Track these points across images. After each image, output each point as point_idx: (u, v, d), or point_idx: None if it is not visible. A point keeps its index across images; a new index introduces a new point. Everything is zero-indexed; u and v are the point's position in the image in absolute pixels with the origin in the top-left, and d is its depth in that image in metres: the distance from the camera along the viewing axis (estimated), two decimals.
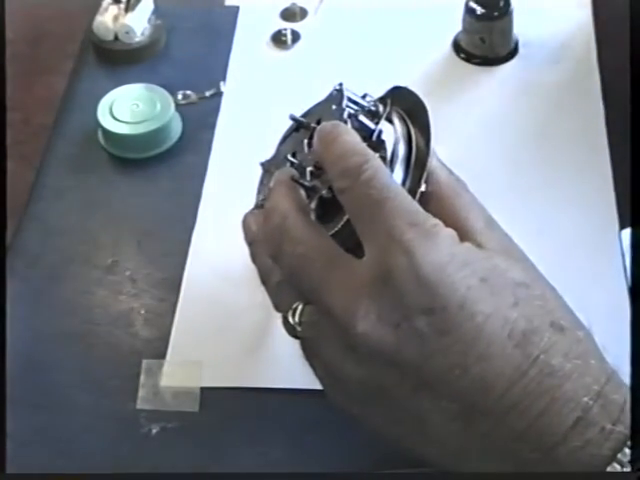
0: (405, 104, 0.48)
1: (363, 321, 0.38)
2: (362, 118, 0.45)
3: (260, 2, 0.80)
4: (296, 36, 0.77)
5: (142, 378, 0.56)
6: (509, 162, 0.67)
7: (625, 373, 0.39)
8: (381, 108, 0.46)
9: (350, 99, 0.46)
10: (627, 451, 0.36)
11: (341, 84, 0.48)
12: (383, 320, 0.38)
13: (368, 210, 0.40)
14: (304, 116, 0.50)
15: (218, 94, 0.73)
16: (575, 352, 0.38)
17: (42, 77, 0.74)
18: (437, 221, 0.40)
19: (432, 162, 0.44)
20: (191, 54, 0.77)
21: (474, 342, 0.38)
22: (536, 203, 0.64)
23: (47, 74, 0.74)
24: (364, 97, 0.47)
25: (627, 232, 0.62)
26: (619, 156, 0.66)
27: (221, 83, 0.74)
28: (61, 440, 0.54)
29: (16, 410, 0.52)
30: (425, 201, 0.42)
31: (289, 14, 0.80)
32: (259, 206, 0.50)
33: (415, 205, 0.41)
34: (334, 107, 0.47)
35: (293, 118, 0.49)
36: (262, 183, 0.52)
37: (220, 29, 0.79)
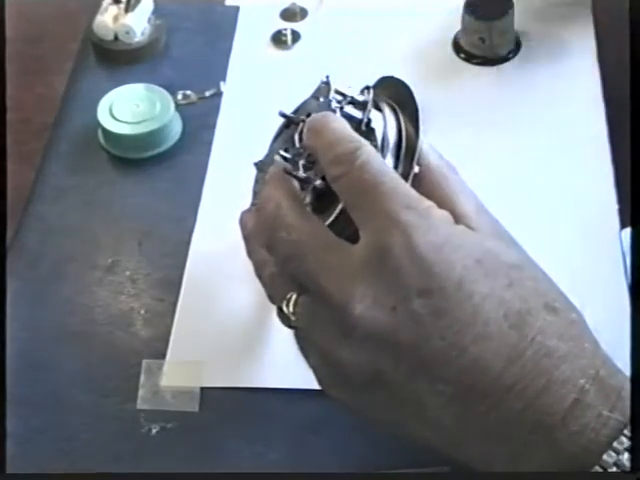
0: (393, 93, 0.48)
1: (359, 304, 0.38)
2: (350, 108, 0.45)
3: (260, 2, 0.80)
4: (296, 36, 0.77)
5: (142, 378, 0.56)
6: (509, 162, 0.67)
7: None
8: (368, 97, 0.47)
9: (337, 91, 0.47)
10: (623, 439, 0.36)
11: (327, 77, 0.48)
12: (379, 302, 0.38)
13: (363, 195, 0.40)
14: (294, 113, 0.50)
15: (218, 94, 0.73)
16: (569, 334, 0.39)
17: (42, 77, 0.74)
18: (431, 203, 0.40)
19: (422, 146, 0.44)
20: (191, 54, 0.77)
21: (471, 322, 0.38)
22: (536, 203, 0.64)
23: (47, 74, 0.75)
24: (349, 89, 0.48)
25: (627, 231, 0.62)
26: (619, 156, 0.66)
27: (221, 83, 0.74)
28: (61, 440, 0.54)
29: (16, 410, 0.52)
30: (416, 185, 0.42)
31: (289, 14, 0.79)
32: (255, 205, 0.51)
33: (409, 188, 0.41)
34: (322, 100, 0.47)
35: (283, 115, 0.49)
36: (257, 182, 0.53)
37: (220, 29, 0.79)
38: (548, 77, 0.73)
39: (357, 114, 0.46)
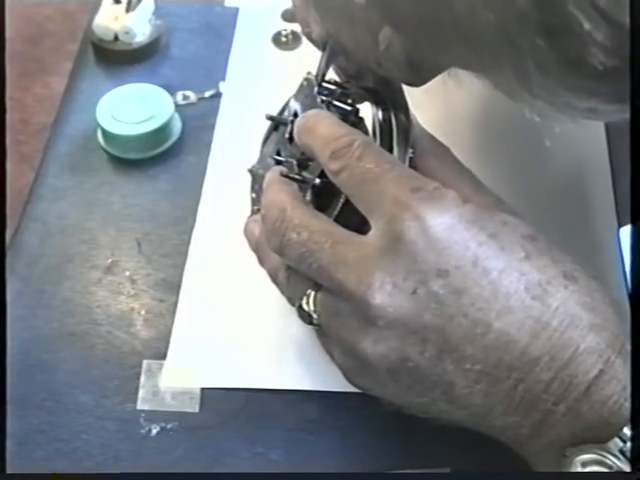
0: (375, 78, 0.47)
1: (379, 292, 0.38)
2: (336, 101, 0.45)
3: (260, 3, 0.80)
4: (296, 37, 0.77)
5: (142, 378, 0.56)
6: (508, 161, 0.67)
7: None
8: (351, 86, 0.46)
9: (323, 87, 0.47)
10: None
11: (309, 72, 0.48)
12: (399, 288, 0.38)
13: (368, 185, 0.40)
14: (280, 113, 0.50)
15: (218, 95, 0.73)
16: (591, 303, 0.39)
17: (42, 77, 0.74)
18: (438, 184, 0.40)
19: (414, 128, 0.44)
20: (191, 54, 0.77)
21: (493, 298, 0.38)
22: (535, 202, 0.64)
23: (47, 74, 0.74)
24: (332, 82, 0.47)
25: (626, 229, 0.62)
26: (619, 155, 0.66)
27: (221, 84, 0.74)
28: (61, 440, 0.54)
29: (16, 410, 0.52)
30: (413, 169, 0.42)
31: (289, 15, 0.79)
32: (256, 212, 0.50)
33: (412, 171, 0.41)
34: (306, 97, 0.47)
35: (270, 117, 0.49)
36: (253, 189, 0.52)
37: (220, 30, 0.79)
38: None
39: (344, 106, 0.45)
